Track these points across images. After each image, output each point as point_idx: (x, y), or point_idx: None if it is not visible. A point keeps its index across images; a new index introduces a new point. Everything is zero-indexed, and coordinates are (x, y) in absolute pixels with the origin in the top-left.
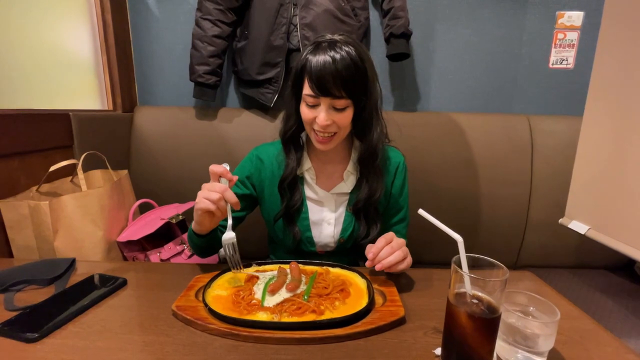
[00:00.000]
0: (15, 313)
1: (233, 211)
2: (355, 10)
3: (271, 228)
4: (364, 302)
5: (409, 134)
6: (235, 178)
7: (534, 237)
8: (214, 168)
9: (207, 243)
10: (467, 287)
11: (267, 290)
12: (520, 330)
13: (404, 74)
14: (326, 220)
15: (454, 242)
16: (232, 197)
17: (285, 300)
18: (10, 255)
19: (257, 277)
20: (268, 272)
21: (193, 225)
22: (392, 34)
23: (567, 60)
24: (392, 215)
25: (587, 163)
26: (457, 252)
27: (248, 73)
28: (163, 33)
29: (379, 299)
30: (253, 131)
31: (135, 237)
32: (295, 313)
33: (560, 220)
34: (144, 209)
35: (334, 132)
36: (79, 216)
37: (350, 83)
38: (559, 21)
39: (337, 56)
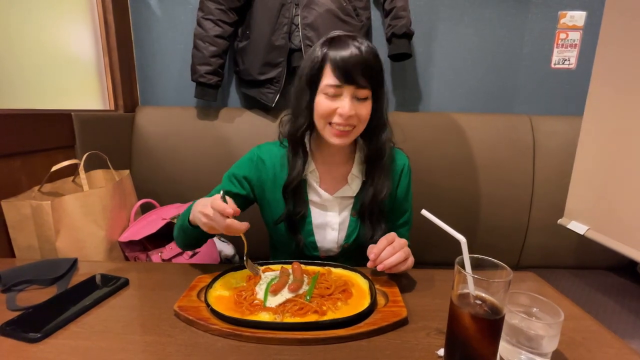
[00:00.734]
0: (17, 313)
1: None
2: (357, 10)
3: (273, 232)
4: (366, 303)
5: (411, 135)
6: (238, 211)
7: (536, 237)
8: (217, 206)
9: (201, 235)
10: (471, 288)
11: (269, 291)
12: (524, 331)
13: (406, 74)
14: (330, 225)
15: (456, 243)
16: (238, 230)
17: (287, 301)
18: (12, 255)
19: (259, 277)
20: (270, 272)
21: (191, 220)
22: (394, 34)
23: (569, 60)
24: (397, 218)
25: (587, 163)
26: (460, 253)
27: (249, 73)
28: (165, 33)
29: (381, 300)
30: (254, 131)
31: (137, 237)
32: (298, 313)
33: (559, 221)
34: (145, 209)
35: (354, 126)
36: (81, 216)
37: (374, 73)
38: (561, 21)
39: (362, 47)
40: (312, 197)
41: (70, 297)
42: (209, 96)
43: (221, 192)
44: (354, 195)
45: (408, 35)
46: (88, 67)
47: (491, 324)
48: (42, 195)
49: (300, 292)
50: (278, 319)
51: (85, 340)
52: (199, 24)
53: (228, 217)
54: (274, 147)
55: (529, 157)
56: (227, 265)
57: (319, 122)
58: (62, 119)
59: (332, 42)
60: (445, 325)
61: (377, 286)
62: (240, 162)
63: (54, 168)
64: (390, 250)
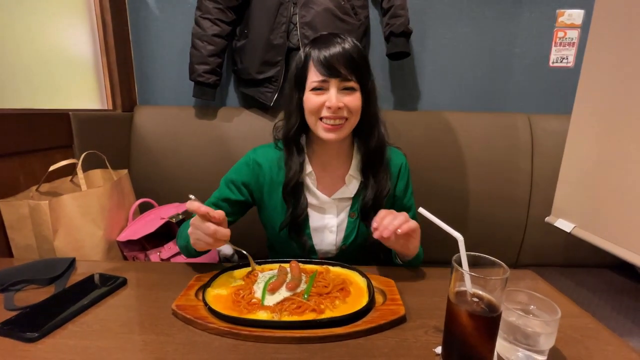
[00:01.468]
0: (15, 313)
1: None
2: (355, 8)
3: (272, 235)
4: (364, 301)
5: (409, 133)
6: (222, 216)
7: (534, 236)
8: (194, 209)
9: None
10: (468, 286)
11: (267, 289)
12: (521, 328)
13: (404, 73)
14: (328, 228)
15: (454, 241)
16: (224, 235)
17: (285, 299)
18: (10, 254)
19: (256, 275)
20: (267, 271)
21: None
22: (392, 33)
23: (567, 58)
24: None
25: (574, 161)
26: (458, 251)
27: (248, 72)
28: (162, 32)
29: (379, 298)
30: (253, 130)
31: (135, 237)
32: (296, 312)
33: (546, 219)
34: (144, 208)
35: (345, 119)
36: (79, 216)
37: (359, 65)
38: (559, 19)
39: (345, 43)
40: (309, 199)
41: (68, 296)
42: (207, 95)
43: (190, 196)
44: (352, 196)
45: (406, 34)
46: (86, 66)
47: (488, 322)
48: (40, 195)
49: (298, 290)
50: (276, 317)
51: (83, 339)
52: (197, 23)
53: (210, 220)
54: (269, 149)
55: (527, 155)
56: (225, 265)
57: (309, 120)
58: (59, 118)
59: (315, 41)
60: (443, 323)
61: (375, 284)
62: (237, 167)
63: (52, 168)
64: (391, 216)
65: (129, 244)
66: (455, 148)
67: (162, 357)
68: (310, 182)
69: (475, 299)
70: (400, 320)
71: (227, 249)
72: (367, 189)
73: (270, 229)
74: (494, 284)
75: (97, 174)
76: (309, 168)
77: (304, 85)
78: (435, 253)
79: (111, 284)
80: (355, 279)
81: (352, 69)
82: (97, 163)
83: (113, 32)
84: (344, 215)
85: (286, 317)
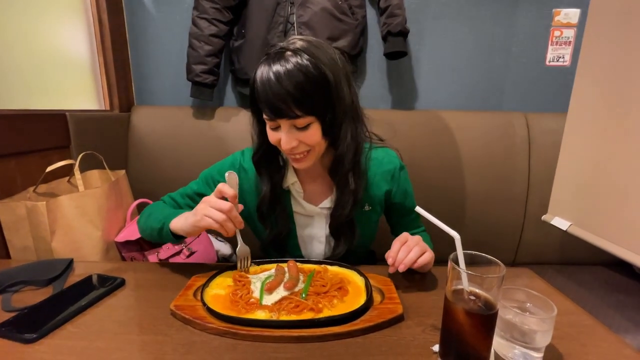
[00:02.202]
0: (13, 314)
1: None
2: (352, 8)
3: (261, 245)
4: (362, 300)
5: (405, 133)
6: (241, 207)
7: (531, 235)
8: (224, 189)
9: (175, 241)
10: (465, 284)
11: (264, 289)
12: (518, 326)
13: (402, 72)
14: (317, 238)
15: (451, 240)
16: (237, 218)
17: (283, 299)
18: (8, 256)
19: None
20: (262, 272)
21: (174, 226)
22: (390, 32)
23: (563, 57)
24: (405, 216)
25: (570, 160)
26: (454, 250)
27: (245, 72)
28: (160, 32)
29: (377, 297)
30: (250, 129)
31: (133, 237)
32: (294, 311)
33: (543, 217)
34: (142, 208)
35: (307, 150)
36: (77, 217)
37: (304, 99)
38: (556, 18)
39: (282, 70)
40: (296, 208)
41: (66, 297)
42: (204, 95)
43: (226, 174)
44: None
45: (403, 34)
46: (83, 66)
47: (485, 319)
48: (37, 196)
49: (296, 290)
50: (274, 317)
51: (81, 340)
52: (194, 23)
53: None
54: None
55: (525, 154)
56: (223, 265)
57: (278, 148)
58: (56, 119)
59: (261, 63)
60: (440, 322)
61: (373, 283)
62: (221, 166)
63: (49, 169)
64: (405, 249)
65: (127, 244)
66: (453, 147)
67: (160, 357)
68: (295, 192)
69: (472, 297)
70: (398, 319)
71: (225, 249)
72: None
73: (256, 235)
74: (491, 282)
75: (94, 174)
76: (293, 178)
77: (261, 115)
78: (437, 250)
79: (109, 285)
80: (354, 278)
81: (298, 105)
82: (95, 164)
83: (110, 32)
84: None
85: (284, 317)
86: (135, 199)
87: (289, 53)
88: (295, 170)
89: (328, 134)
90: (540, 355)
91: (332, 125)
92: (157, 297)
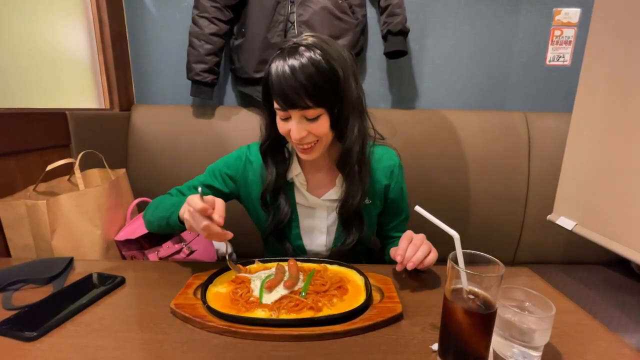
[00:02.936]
0: (13, 312)
1: None
2: (353, 7)
3: (262, 234)
4: (361, 299)
5: (406, 132)
6: (221, 220)
7: (531, 234)
8: (192, 203)
9: (181, 230)
10: (464, 283)
11: (264, 287)
12: (516, 325)
13: (402, 72)
14: (318, 229)
15: (450, 239)
16: (216, 235)
17: (283, 297)
18: (8, 254)
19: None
20: (261, 271)
21: (182, 213)
22: (390, 32)
23: (564, 57)
24: (393, 219)
25: (576, 159)
26: (453, 249)
27: (245, 71)
28: (160, 31)
29: (376, 296)
30: (251, 129)
31: (134, 236)
32: (293, 310)
33: (548, 217)
34: (142, 207)
35: (315, 141)
36: (77, 215)
37: (316, 91)
38: (556, 18)
39: (297, 64)
40: (299, 199)
41: (66, 295)
42: (204, 94)
43: (199, 189)
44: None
45: (403, 33)
46: (82, 65)
47: (484, 318)
48: (37, 195)
49: (296, 288)
50: (274, 315)
51: (81, 338)
52: (194, 22)
53: (209, 216)
54: None
55: (524, 154)
56: (223, 263)
57: (287, 138)
58: (56, 118)
59: (275, 59)
60: (439, 320)
61: (372, 282)
62: (227, 159)
63: (49, 167)
64: (413, 247)
65: (127, 243)
66: (452, 146)
67: (160, 355)
68: (299, 183)
69: (471, 296)
70: (397, 318)
71: (224, 248)
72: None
73: (258, 227)
74: (490, 281)
75: (94, 173)
76: (297, 170)
77: (272, 106)
78: (438, 249)
79: (109, 283)
80: (353, 277)
81: (310, 97)
82: (95, 162)
83: (110, 30)
84: (334, 216)
85: (284, 315)
86: (135, 197)
87: (302, 48)
88: (300, 162)
89: (336, 126)
90: (539, 354)
91: (340, 118)
92: (157, 296)
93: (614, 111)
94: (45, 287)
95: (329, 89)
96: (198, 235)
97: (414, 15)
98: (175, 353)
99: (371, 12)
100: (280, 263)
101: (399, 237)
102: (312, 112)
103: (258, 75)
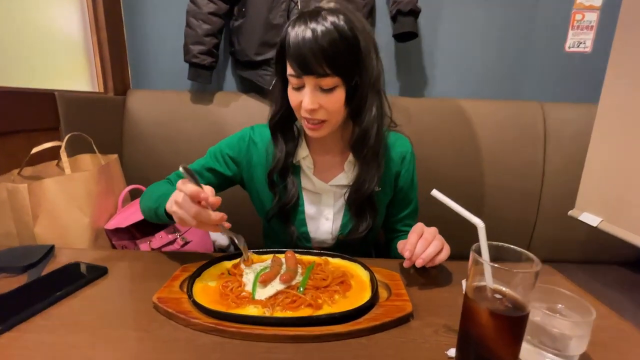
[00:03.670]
0: None
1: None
2: None
3: (264, 221)
4: (366, 296)
5: (415, 121)
6: (216, 203)
7: (545, 230)
8: (183, 188)
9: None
10: (488, 280)
11: (258, 281)
12: (548, 330)
13: (410, 57)
14: (324, 215)
15: (464, 231)
16: (208, 219)
17: (278, 293)
18: None
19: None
20: (257, 264)
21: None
22: (399, 11)
23: (584, 43)
24: (401, 210)
25: (601, 153)
26: (466, 245)
27: (246, 54)
28: (157, 12)
29: (383, 293)
30: (250, 116)
31: (124, 225)
32: (290, 307)
33: (570, 212)
34: (135, 195)
35: (323, 121)
36: (63, 201)
37: (336, 58)
38: (577, 1)
39: (319, 28)
40: (305, 184)
41: (40, 286)
42: (202, 78)
43: (180, 168)
44: (350, 183)
45: (414, 13)
46: (74, 46)
47: (513, 322)
48: (22, 179)
49: (293, 283)
50: (267, 313)
51: (51, 334)
52: (192, 1)
53: (200, 202)
54: (267, 129)
55: (540, 146)
56: (215, 255)
57: (295, 113)
58: (44, 98)
59: (295, 22)
60: (455, 322)
61: (378, 278)
62: (230, 140)
63: (35, 150)
64: (423, 242)
65: (118, 232)
66: (463, 137)
67: (138, 355)
68: (305, 166)
69: (498, 296)
70: (407, 318)
71: (222, 239)
72: (354, 179)
73: (262, 214)
74: (523, 278)
75: (86, 158)
76: (305, 152)
77: (285, 74)
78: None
79: (90, 274)
80: (357, 271)
81: (329, 63)
82: (87, 148)
83: (104, 10)
84: (341, 202)
85: (279, 313)
86: (129, 185)
87: (325, 12)
88: (308, 144)
89: (350, 102)
90: None
91: (356, 93)
92: (141, 289)
93: None
94: (20, 277)
95: (350, 58)
96: None
97: None
98: (155, 353)
99: None
100: (277, 255)
101: (406, 231)
102: (328, 81)
103: (259, 59)
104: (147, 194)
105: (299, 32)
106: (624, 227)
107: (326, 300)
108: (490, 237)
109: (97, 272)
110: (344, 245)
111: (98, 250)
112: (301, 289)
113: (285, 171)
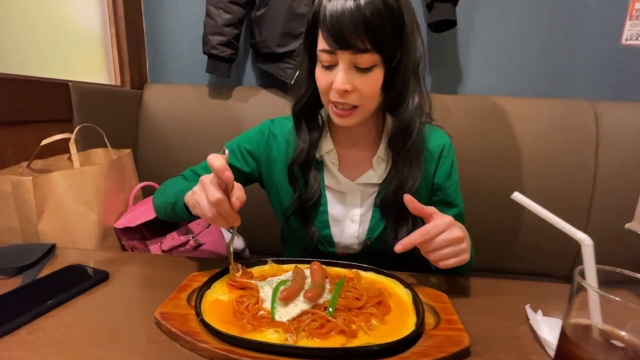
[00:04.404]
0: None
1: None
2: None
3: (282, 221)
4: (411, 322)
5: (449, 121)
6: (241, 198)
7: (594, 242)
8: (211, 160)
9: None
10: (595, 317)
11: (278, 298)
12: None
13: (444, 50)
14: (349, 217)
15: (507, 244)
16: (230, 215)
17: (303, 313)
18: None
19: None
20: (276, 277)
21: (187, 199)
22: None
23: None
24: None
25: None
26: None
27: (267, 45)
28: (176, 3)
29: (430, 319)
30: (271, 112)
31: (134, 224)
32: (317, 333)
33: (627, 225)
34: (147, 192)
35: (354, 106)
36: (70, 196)
37: (379, 32)
38: None
39: None
40: (328, 182)
41: (32, 292)
42: (221, 71)
43: (225, 150)
44: (379, 182)
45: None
46: (93, 38)
47: None
48: (30, 172)
49: (320, 302)
50: (291, 339)
51: (35, 352)
52: None
53: (222, 188)
54: (288, 122)
55: (591, 150)
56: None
57: (322, 98)
58: (58, 89)
59: None
60: None
61: (422, 298)
62: (248, 134)
63: (44, 142)
64: (442, 242)
65: (127, 231)
66: (502, 139)
67: None
68: (330, 162)
69: (619, 343)
70: (464, 354)
71: (237, 243)
72: (391, 177)
73: (280, 213)
74: None
75: (98, 153)
76: (329, 145)
77: (315, 51)
78: (483, 257)
79: (88, 279)
80: (395, 289)
81: (370, 37)
82: (101, 142)
83: (123, 1)
84: (370, 203)
85: (304, 342)
86: (142, 181)
87: None
88: (332, 137)
89: (389, 86)
90: None
91: (396, 77)
92: (144, 299)
93: None
94: (14, 279)
95: (392, 33)
96: (208, 227)
97: None
98: None
99: None
100: (299, 265)
101: None
102: (366, 58)
103: (281, 50)
104: (163, 190)
105: (338, 2)
106: None
107: (362, 325)
108: (531, 249)
109: (97, 278)
110: (372, 254)
111: (103, 251)
112: (330, 310)
113: (307, 164)
